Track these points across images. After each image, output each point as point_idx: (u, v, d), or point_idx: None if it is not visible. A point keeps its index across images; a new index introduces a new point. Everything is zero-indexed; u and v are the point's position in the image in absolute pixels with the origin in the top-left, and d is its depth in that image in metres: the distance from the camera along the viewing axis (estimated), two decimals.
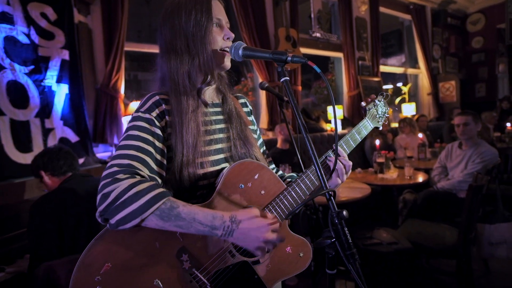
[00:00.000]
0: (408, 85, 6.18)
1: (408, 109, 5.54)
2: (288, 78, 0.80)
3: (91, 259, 0.67)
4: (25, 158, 2.23)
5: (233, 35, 0.89)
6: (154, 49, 3.43)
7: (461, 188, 2.66)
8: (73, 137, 2.60)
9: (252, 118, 1.08)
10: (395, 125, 5.39)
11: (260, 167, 0.85)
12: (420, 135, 4.04)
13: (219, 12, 0.89)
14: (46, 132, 2.41)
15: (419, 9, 6.07)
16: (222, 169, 0.85)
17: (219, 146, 0.89)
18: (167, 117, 0.83)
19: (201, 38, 0.84)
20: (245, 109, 1.06)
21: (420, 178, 3.00)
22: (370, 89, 5.16)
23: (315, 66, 0.76)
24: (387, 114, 1.15)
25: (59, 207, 1.48)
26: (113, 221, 0.67)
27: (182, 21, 0.85)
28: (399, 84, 6.40)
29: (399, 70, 6.33)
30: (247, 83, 5.00)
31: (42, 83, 2.41)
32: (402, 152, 4.09)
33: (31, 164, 1.69)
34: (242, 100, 1.07)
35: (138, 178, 0.71)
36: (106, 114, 2.83)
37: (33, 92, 2.35)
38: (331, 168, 0.92)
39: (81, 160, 2.55)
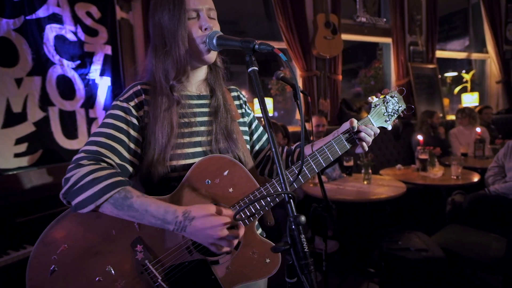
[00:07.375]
0: (471, 72, 5.42)
1: (469, 99, 4.88)
2: (256, 68, 0.72)
3: (50, 238, 0.70)
4: (71, 144, 2.50)
5: (211, 25, 0.83)
6: None
7: None
8: None
9: (245, 109, 1.04)
10: (451, 117, 4.81)
11: (231, 163, 0.82)
12: (478, 129, 3.54)
13: (197, 2, 0.82)
14: (90, 121, 2.66)
15: None
16: None
17: (198, 139, 0.87)
18: (146, 107, 0.84)
19: (174, 32, 0.81)
20: (236, 102, 1.03)
21: (475, 178, 2.65)
22: (422, 77, 4.65)
23: (281, 54, 0.69)
24: (400, 112, 1.02)
25: None
26: (72, 204, 0.71)
27: (158, 17, 0.84)
28: (463, 71, 5.65)
29: (461, 55, 5.57)
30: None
31: (87, 77, 2.65)
32: (459, 148, 3.63)
33: None
34: (234, 93, 1.04)
35: (100, 165, 0.73)
36: None
37: (79, 85, 2.60)
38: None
39: None
